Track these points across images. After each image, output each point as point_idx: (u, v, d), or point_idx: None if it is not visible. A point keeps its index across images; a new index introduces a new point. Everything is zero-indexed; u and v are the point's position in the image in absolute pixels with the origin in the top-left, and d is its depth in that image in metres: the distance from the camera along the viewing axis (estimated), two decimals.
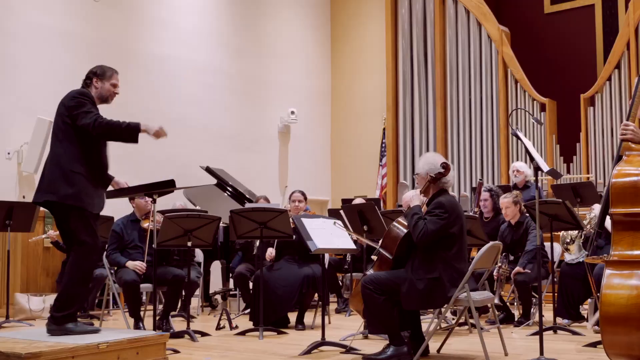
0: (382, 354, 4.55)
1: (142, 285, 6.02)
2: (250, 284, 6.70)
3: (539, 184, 4.89)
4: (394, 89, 11.72)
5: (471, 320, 5.83)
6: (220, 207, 7.90)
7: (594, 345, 4.95)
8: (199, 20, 10.67)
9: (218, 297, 8.51)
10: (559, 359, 4.47)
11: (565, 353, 4.84)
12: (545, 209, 5.70)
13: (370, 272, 4.80)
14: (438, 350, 4.91)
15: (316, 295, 6.58)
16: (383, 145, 11.79)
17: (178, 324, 6.40)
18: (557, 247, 6.50)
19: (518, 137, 4.78)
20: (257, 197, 8.53)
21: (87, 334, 4.33)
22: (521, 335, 5.78)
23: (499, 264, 6.13)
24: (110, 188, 4.73)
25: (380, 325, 4.63)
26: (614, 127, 10.01)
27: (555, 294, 6.02)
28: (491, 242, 4.84)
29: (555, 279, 6.23)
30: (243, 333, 5.90)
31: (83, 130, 4.35)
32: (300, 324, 6.33)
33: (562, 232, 6.35)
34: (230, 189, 8.98)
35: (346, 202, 8.28)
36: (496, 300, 5.81)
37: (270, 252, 6.49)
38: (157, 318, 5.84)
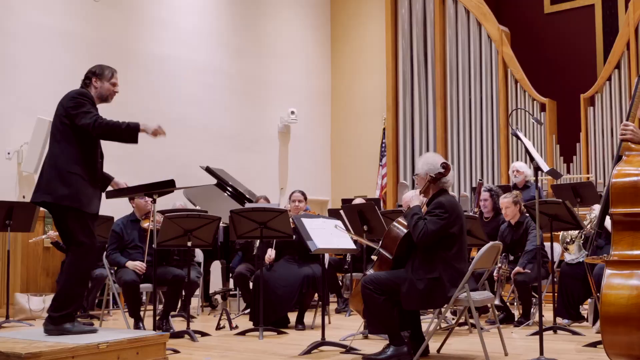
0: (382, 354, 4.55)
1: (142, 285, 6.02)
2: (250, 284, 6.70)
3: (539, 184, 4.88)
4: (394, 89, 11.72)
5: (471, 320, 5.83)
6: (220, 207, 7.90)
7: (594, 345, 4.95)
8: (199, 20, 10.67)
9: (218, 297, 8.50)
10: (559, 359, 4.47)
11: (565, 353, 4.84)
12: (545, 209, 5.70)
13: (370, 272, 4.79)
14: (438, 350, 4.91)
15: (316, 295, 6.58)
16: (383, 145, 11.78)
17: (178, 324, 6.40)
18: (557, 247, 6.50)
19: (518, 137, 4.78)
20: (257, 197, 8.53)
21: (85, 333, 4.33)
22: (521, 335, 5.78)
23: (499, 264, 6.12)
24: (110, 188, 4.73)
25: (380, 325, 4.63)
26: (614, 127, 10.01)
27: (555, 294, 6.02)
28: (491, 242, 4.84)
29: (555, 279, 6.23)
30: (243, 333, 5.90)
31: (81, 130, 4.35)
32: (300, 324, 6.32)
33: (562, 232, 6.35)
34: (230, 189, 8.97)
35: (346, 202, 8.28)
36: (497, 302, 5.80)
37: (270, 254, 6.48)
38: (157, 318, 5.84)
